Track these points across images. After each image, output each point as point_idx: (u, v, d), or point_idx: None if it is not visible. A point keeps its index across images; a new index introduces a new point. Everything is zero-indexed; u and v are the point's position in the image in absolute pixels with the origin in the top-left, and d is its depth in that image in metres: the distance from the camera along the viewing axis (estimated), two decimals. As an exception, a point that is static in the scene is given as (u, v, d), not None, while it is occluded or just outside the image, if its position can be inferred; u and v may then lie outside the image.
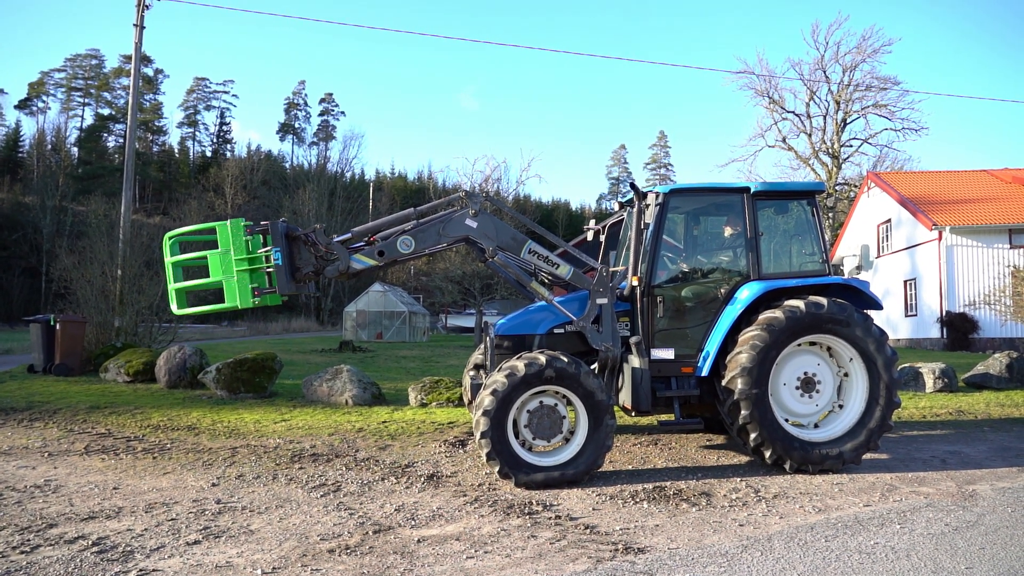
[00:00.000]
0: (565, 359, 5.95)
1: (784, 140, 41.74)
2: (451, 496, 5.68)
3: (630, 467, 6.77)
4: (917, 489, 5.97)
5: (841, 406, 6.69)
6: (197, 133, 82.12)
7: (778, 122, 41.66)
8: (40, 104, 73.93)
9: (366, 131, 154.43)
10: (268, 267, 6.12)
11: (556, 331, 6.84)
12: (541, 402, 6.04)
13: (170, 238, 6.34)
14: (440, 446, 7.64)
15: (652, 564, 4.17)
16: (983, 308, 22.89)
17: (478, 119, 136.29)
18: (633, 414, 6.72)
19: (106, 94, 74.00)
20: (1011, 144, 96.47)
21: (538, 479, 5.87)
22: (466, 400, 8.35)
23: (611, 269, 7.15)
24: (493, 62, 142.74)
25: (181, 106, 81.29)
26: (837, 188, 40.28)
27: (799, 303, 6.36)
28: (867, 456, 6.76)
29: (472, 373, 7.75)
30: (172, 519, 5.02)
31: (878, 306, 6.94)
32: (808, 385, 6.58)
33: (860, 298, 6.86)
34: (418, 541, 4.58)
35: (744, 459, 7.04)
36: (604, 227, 9.34)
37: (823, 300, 6.39)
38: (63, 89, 74.19)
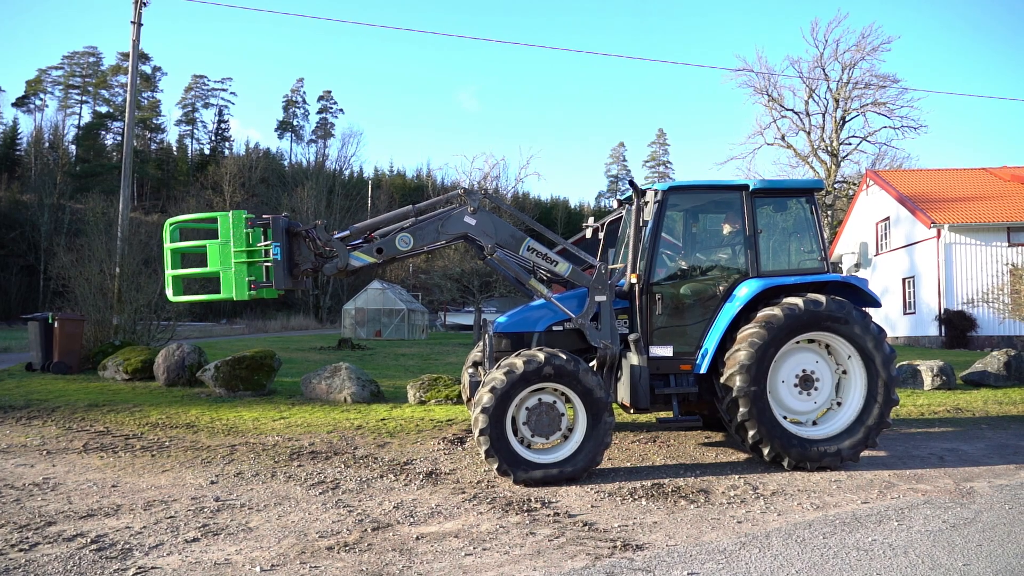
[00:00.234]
0: (564, 356, 5.95)
1: (783, 138, 41.75)
2: (450, 493, 5.69)
3: (629, 464, 6.78)
4: (915, 486, 5.98)
5: (839, 403, 6.71)
6: (195, 131, 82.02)
7: (777, 120, 41.70)
8: (38, 102, 73.88)
9: (364, 129, 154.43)
10: (266, 261, 6.12)
11: (555, 328, 6.84)
12: (540, 399, 6.04)
13: (171, 224, 6.35)
14: (439, 443, 7.64)
15: (650, 561, 4.18)
16: (981, 306, 22.91)
17: (477, 117, 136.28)
18: (632, 411, 6.72)
19: (104, 92, 73.89)
20: (1010, 142, 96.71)
21: (537, 476, 5.88)
22: (465, 398, 8.36)
23: (610, 267, 7.16)
24: (492, 60, 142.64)
25: (179, 104, 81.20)
26: (836, 186, 40.28)
27: (798, 301, 6.37)
28: (865, 453, 6.78)
29: (471, 370, 7.75)
30: (171, 517, 5.02)
31: (876, 304, 6.95)
32: (806, 382, 6.59)
33: (859, 296, 6.87)
34: (417, 538, 4.59)
35: (742, 456, 7.05)
36: (603, 225, 9.34)
37: (822, 298, 6.40)
38: (61, 87, 74.09)
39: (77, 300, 15.86)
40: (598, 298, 6.62)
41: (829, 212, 38.59)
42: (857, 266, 30.25)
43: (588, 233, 8.66)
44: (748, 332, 6.33)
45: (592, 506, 5.36)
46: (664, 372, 6.73)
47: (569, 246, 7.13)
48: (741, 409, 6.25)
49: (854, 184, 39.22)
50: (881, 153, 41.58)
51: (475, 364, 7.91)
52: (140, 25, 17.62)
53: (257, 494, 5.68)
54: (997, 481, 6.17)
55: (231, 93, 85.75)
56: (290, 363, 15.70)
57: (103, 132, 72.30)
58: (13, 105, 71.21)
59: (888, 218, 28.37)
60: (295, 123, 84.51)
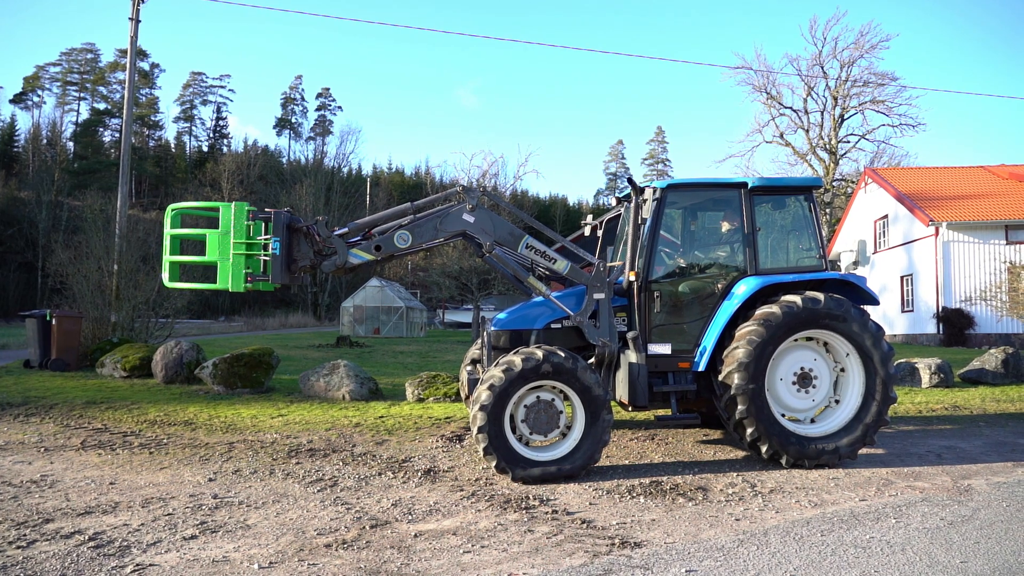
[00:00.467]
0: (562, 354, 5.95)
1: (782, 136, 41.74)
2: (448, 491, 5.69)
3: (627, 462, 6.78)
4: (913, 484, 5.99)
5: (837, 401, 6.71)
6: (193, 128, 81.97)
7: (776, 118, 41.68)
8: (35, 98, 73.77)
9: (363, 126, 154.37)
10: (265, 255, 6.11)
11: (553, 326, 6.84)
12: (538, 397, 6.04)
13: (172, 210, 6.35)
14: (437, 441, 7.64)
15: (648, 558, 4.18)
16: (979, 304, 22.95)
17: (476, 114, 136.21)
18: (630, 409, 6.72)
19: (102, 88, 73.78)
20: (1008, 140, 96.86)
21: (535, 474, 5.88)
22: (463, 395, 8.35)
23: (608, 264, 7.15)
24: (492, 56, 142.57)
25: (177, 101, 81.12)
26: (834, 184, 40.30)
27: (796, 298, 6.37)
28: (863, 451, 6.79)
29: (469, 368, 7.74)
30: (169, 514, 5.02)
31: (875, 301, 6.95)
32: (805, 380, 6.60)
33: (857, 293, 6.88)
34: (415, 536, 4.59)
35: (741, 454, 7.06)
36: (601, 222, 9.34)
37: (820, 295, 6.40)
38: (58, 83, 74.01)
39: (75, 297, 15.85)
40: (596, 296, 6.62)
41: (827, 210, 38.62)
42: (855, 264, 30.27)
43: (587, 231, 8.65)
44: (746, 330, 6.33)
45: (590, 504, 5.36)
46: (662, 370, 6.73)
47: (568, 244, 7.13)
48: (739, 407, 6.25)
49: (852, 182, 39.23)
50: (880, 151, 41.65)
51: (473, 362, 7.90)
52: (138, 22, 17.57)
53: (255, 491, 5.67)
54: (995, 478, 6.18)
55: (229, 90, 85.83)
56: (288, 360, 15.70)
57: (101, 129, 72.21)
58: (11, 102, 71.27)
59: (886, 216, 28.39)
60: (293, 120, 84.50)
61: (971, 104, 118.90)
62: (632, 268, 6.76)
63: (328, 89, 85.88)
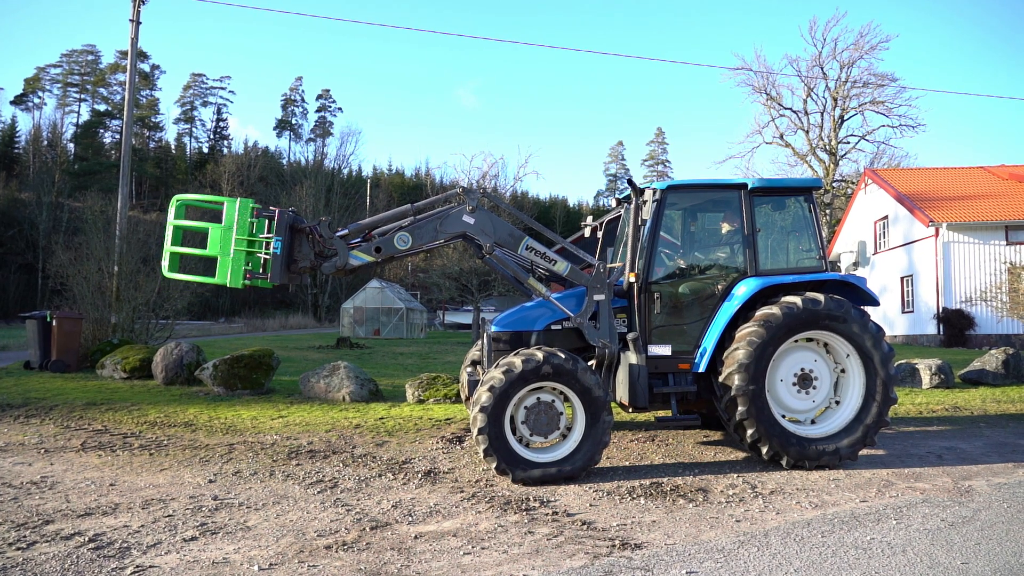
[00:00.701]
0: (562, 355, 5.95)
1: (781, 137, 41.77)
2: (448, 492, 5.68)
3: (627, 463, 6.78)
4: (913, 485, 5.99)
5: (838, 402, 6.71)
6: (194, 129, 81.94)
7: (775, 119, 41.71)
8: (36, 100, 73.82)
9: (363, 127, 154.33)
10: (265, 253, 6.11)
11: (553, 327, 6.84)
12: (538, 398, 6.04)
13: (177, 200, 6.35)
14: (437, 442, 7.64)
15: (649, 560, 4.18)
16: (979, 304, 22.94)
17: (476, 115, 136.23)
18: (630, 410, 6.72)
19: (102, 90, 73.77)
20: (1008, 141, 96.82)
21: (535, 475, 5.87)
22: (463, 396, 8.35)
23: (608, 266, 7.15)
24: (492, 58, 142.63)
25: (178, 102, 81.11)
26: (834, 184, 40.30)
27: (796, 299, 6.37)
28: (864, 452, 6.79)
29: (469, 369, 7.74)
30: (169, 515, 5.02)
31: (875, 302, 6.95)
32: (805, 381, 6.59)
33: (857, 294, 6.87)
34: (415, 537, 4.58)
35: (741, 455, 7.05)
36: (601, 224, 9.34)
37: (820, 296, 6.40)
38: (59, 85, 74.01)
39: (75, 298, 15.84)
40: (597, 297, 6.62)
41: (827, 211, 38.63)
42: (855, 265, 30.27)
43: (587, 232, 8.66)
44: (747, 331, 6.33)
45: (591, 505, 5.36)
46: (663, 371, 6.73)
47: (568, 245, 7.13)
48: (740, 408, 6.25)
49: (852, 183, 39.23)
50: (879, 152, 41.68)
51: (474, 363, 7.90)
52: (139, 23, 17.58)
53: (255, 493, 5.67)
54: (995, 479, 6.17)
55: (230, 92, 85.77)
56: (288, 362, 15.69)
57: (101, 130, 72.21)
58: (11, 103, 71.29)
59: (886, 217, 28.39)
60: (294, 122, 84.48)
61: (971, 105, 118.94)
62: (632, 269, 6.76)
63: (328, 90, 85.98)
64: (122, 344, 14.37)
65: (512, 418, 5.99)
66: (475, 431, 5.82)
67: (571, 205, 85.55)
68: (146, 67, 73.10)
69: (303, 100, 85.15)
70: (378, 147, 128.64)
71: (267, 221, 6.15)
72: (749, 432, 6.28)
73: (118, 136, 68.50)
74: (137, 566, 4.05)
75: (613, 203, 8.58)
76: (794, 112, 41.45)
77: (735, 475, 6.27)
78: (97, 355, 13.98)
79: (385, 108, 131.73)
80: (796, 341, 6.58)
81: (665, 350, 6.75)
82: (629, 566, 4.08)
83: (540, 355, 5.89)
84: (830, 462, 6.41)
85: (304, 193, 51.73)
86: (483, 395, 5.82)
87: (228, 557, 4.21)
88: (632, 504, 5.38)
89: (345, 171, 69.65)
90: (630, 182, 6.87)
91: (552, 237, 7.28)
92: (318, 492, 5.69)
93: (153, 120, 75.75)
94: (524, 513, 5.10)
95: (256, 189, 60.38)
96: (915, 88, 69.32)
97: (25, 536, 4.53)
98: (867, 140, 40.67)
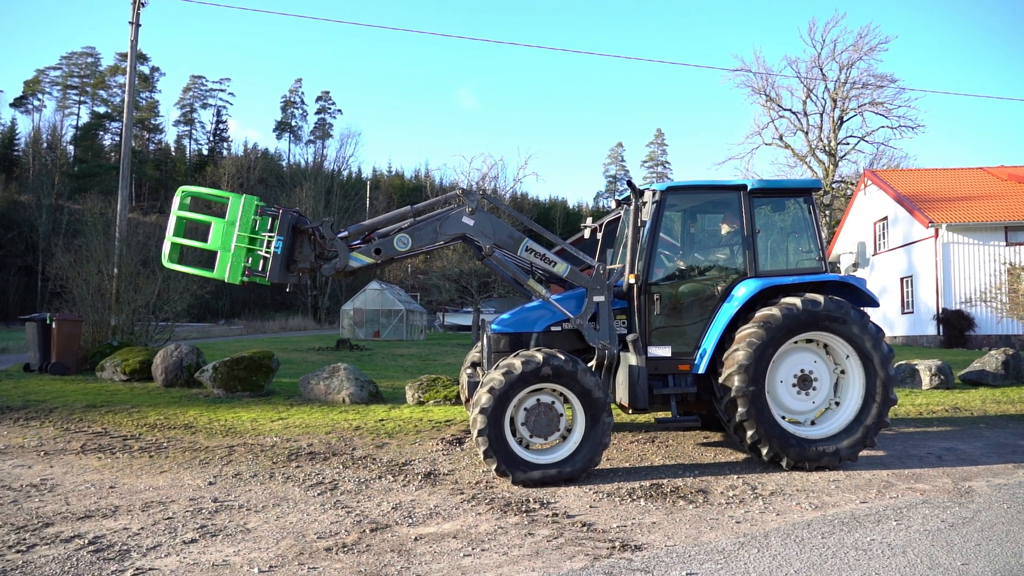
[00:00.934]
0: (562, 357, 5.95)
1: (781, 138, 41.77)
2: (448, 494, 5.68)
3: (627, 465, 6.78)
4: (913, 486, 5.99)
5: (838, 403, 6.71)
6: (193, 131, 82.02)
7: (775, 120, 41.71)
8: (36, 102, 73.79)
9: (363, 129, 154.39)
10: (266, 252, 6.11)
11: (553, 329, 6.84)
12: (538, 400, 6.04)
13: (183, 191, 6.37)
14: (437, 444, 7.64)
15: (649, 561, 4.18)
16: (979, 305, 22.95)
17: (476, 116, 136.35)
18: (630, 412, 6.72)
19: (102, 92, 73.83)
20: (1007, 141, 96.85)
21: (535, 477, 5.87)
22: (463, 398, 8.35)
23: (608, 267, 7.15)
24: (492, 59, 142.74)
25: (177, 104, 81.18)
26: (834, 186, 40.32)
27: (796, 300, 6.37)
28: (864, 453, 6.78)
29: (469, 371, 7.74)
30: (168, 518, 5.01)
31: (875, 303, 6.95)
32: (805, 382, 6.59)
33: (857, 295, 6.88)
34: (415, 539, 4.58)
35: (741, 456, 7.05)
36: (601, 225, 9.34)
37: (820, 297, 6.40)
38: (59, 87, 74.04)
39: (75, 301, 15.83)
40: (596, 298, 6.62)
41: (827, 212, 38.64)
42: (855, 266, 30.28)
43: (586, 233, 8.66)
44: (746, 332, 6.33)
45: (591, 506, 5.36)
46: (662, 372, 6.73)
47: (567, 246, 7.13)
48: (739, 409, 6.25)
49: (852, 184, 39.25)
50: (879, 153, 41.68)
51: (473, 365, 7.90)
52: (138, 26, 17.59)
53: (255, 495, 5.67)
54: (995, 480, 6.17)
55: (229, 94, 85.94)
56: (288, 364, 15.69)
57: (101, 132, 72.25)
58: (11, 105, 71.25)
59: (886, 218, 28.41)
60: (293, 123, 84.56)
61: (970, 106, 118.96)
62: (632, 271, 6.76)
63: (328, 92, 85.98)
64: (122, 346, 14.37)
65: (512, 420, 5.99)
66: (475, 433, 5.82)
67: (571, 206, 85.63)
68: (146, 69, 73.16)
69: (303, 102, 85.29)
70: (378, 149, 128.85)
71: (270, 219, 6.16)
72: (749, 433, 6.28)
73: (118, 138, 68.52)
74: (137, 569, 4.05)
75: (613, 204, 8.58)
76: (793, 113, 41.50)
77: (735, 476, 6.27)
78: (97, 357, 13.98)
79: (385, 109, 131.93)
80: (796, 342, 6.58)
81: (665, 351, 6.75)
82: (629, 567, 4.08)
83: (540, 356, 5.89)
84: (830, 463, 6.41)
85: (304, 195, 51.74)
86: (483, 397, 5.82)
87: (228, 559, 4.20)
88: (632, 505, 5.38)
89: (345, 173, 69.76)
90: (630, 183, 6.87)
91: (552, 238, 7.28)
92: (318, 494, 5.69)
93: (153, 122, 75.84)
94: (524, 515, 5.09)
95: (256, 191, 60.31)
96: (914, 89, 69.50)
97: (25, 539, 4.53)
98: (866, 141, 40.74)
